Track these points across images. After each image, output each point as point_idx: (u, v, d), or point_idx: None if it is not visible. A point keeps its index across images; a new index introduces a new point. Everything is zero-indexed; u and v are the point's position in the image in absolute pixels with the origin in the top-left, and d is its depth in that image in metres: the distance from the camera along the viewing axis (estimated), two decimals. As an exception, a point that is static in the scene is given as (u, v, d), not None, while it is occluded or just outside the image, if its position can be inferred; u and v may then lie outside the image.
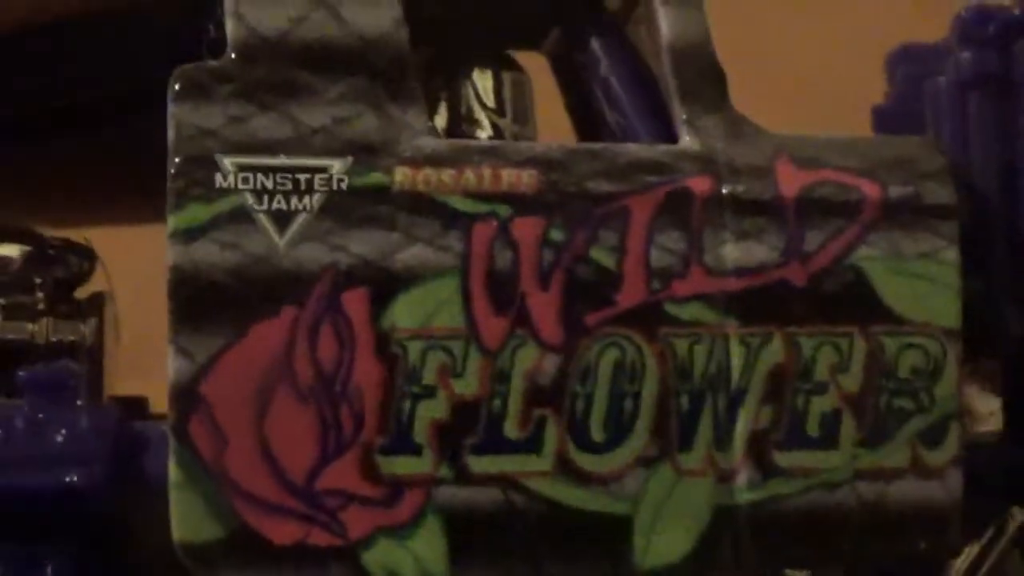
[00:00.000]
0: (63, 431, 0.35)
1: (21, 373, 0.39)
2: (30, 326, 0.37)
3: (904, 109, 0.41)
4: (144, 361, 0.39)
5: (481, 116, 0.39)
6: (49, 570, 0.38)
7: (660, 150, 0.35)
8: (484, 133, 0.38)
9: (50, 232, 0.39)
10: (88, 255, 0.39)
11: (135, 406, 0.38)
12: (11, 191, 0.42)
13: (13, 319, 0.37)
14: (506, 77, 0.39)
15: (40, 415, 0.36)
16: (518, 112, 0.39)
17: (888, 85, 0.42)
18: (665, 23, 0.35)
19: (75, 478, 0.35)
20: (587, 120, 0.39)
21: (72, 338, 0.37)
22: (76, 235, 0.40)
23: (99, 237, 0.40)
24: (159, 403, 0.37)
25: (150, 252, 0.37)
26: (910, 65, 0.41)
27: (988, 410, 0.45)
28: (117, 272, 0.40)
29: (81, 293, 0.39)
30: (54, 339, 0.37)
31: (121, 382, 0.40)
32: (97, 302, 0.38)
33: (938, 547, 0.36)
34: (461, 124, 0.38)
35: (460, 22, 0.40)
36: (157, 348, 0.35)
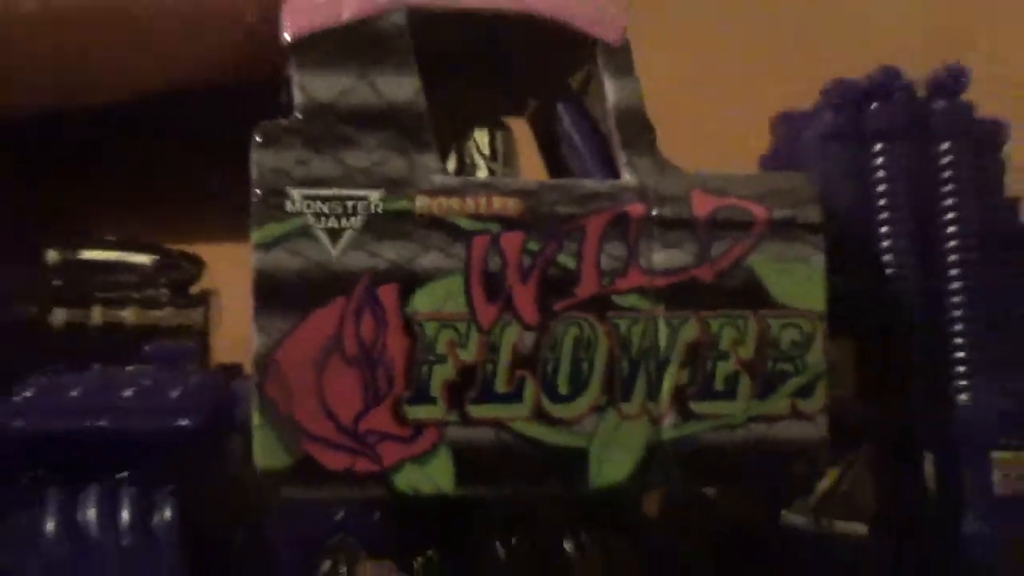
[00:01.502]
0: (179, 389, 0.36)
1: (147, 347, 0.39)
2: (157, 314, 0.38)
3: (782, 157, 0.42)
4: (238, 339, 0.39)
5: (479, 162, 0.39)
6: (164, 496, 0.37)
7: (607, 184, 0.36)
8: (481, 173, 0.39)
9: (171, 245, 0.40)
10: (198, 262, 0.40)
11: (233, 371, 0.39)
12: (143, 214, 0.44)
13: (145, 309, 0.38)
14: (498, 134, 0.40)
15: (162, 377, 0.37)
16: (506, 158, 0.40)
17: (771, 140, 0.43)
18: (611, 92, 0.37)
19: (187, 422, 0.36)
20: (555, 164, 0.40)
21: (187, 323, 0.39)
22: (189, 248, 0.41)
23: (205, 250, 0.41)
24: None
25: (238, 260, 0.37)
26: (788, 125, 0.42)
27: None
28: (217, 273, 0.41)
29: (193, 290, 0.40)
30: (174, 323, 0.38)
31: (222, 354, 0.41)
32: (204, 296, 0.39)
33: (810, 470, 0.37)
34: (464, 167, 0.39)
35: (465, 97, 0.40)
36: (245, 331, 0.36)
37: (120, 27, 0.40)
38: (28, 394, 0.36)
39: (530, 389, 0.36)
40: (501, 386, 0.36)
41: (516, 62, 0.40)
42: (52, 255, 0.39)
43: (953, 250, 0.40)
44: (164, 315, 0.39)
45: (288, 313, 0.35)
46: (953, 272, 0.40)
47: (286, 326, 0.35)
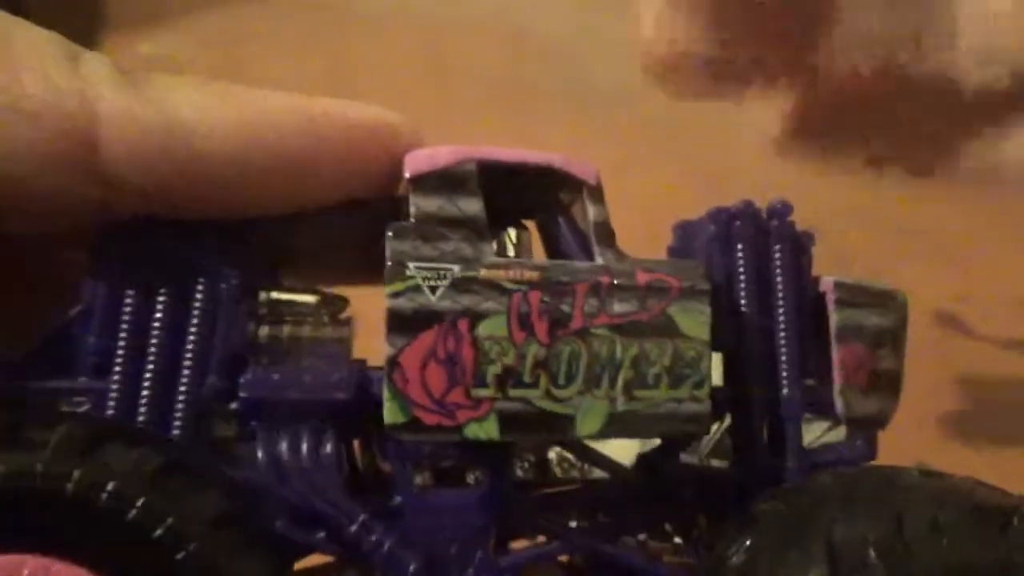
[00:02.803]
0: (337, 374, 0.41)
1: (317, 347, 0.42)
2: (322, 331, 0.42)
3: (680, 250, 0.46)
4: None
5: (510, 249, 0.44)
6: (328, 437, 0.41)
7: (588, 265, 0.41)
8: (511, 255, 0.43)
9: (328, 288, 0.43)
10: (344, 299, 0.44)
11: (363, 362, 0.42)
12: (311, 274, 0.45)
13: (315, 327, 0.42)
14: (521, 233, 0.45)
15: (327, 368, 0.42)
16: (524, 248, 0.44)
17: (673, 238, 0.47)
18: (590, 212, 0.42)
19: (343, 395, 0.41)
20: (553, 253, 0.44)
21: (339, 336, 0.43)
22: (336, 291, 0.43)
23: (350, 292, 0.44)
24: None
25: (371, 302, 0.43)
26: (683, 229, 0.46)
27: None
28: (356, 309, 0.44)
29: (342, 317, 0.43)
30: (332, 336, 0.42)
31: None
32: (348, 320, 0.43)
33: (699, 430, 0.42)
34: (502, 251, 0.43)
35: (502, 212, 0.43)
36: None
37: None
38: (249, 376, 0.40)
39: (543, 380, 0.40)
40: (527, 378, 0.40)
41: (533, 193, 0.44)
42: (262, 295, 0.42)
43: (780, 306, 0.45)
44: (326, 331, 0.42)
45: (405, 334, 0.39)
46: (780, 318, 0.45)
47: (404, 342, 0.39)
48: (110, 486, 0.32)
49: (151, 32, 0.94)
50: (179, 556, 0.32)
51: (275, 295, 0.43)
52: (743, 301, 0.44)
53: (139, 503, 0.32)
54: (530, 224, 0.45)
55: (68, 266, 0.42)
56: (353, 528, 0.40)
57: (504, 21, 1.05)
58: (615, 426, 0.40)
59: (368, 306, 0.43)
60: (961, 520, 0.34)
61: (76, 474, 0.31)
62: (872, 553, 0.33)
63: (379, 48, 1.00)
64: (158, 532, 0.32)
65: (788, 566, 0.34)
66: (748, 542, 0.37)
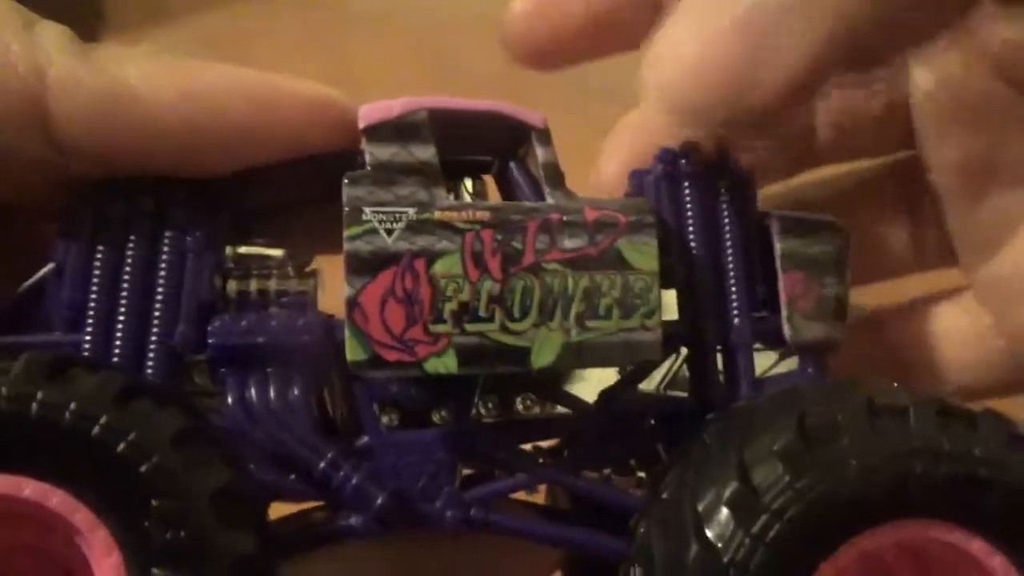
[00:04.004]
0: (303, 320, 0.43)
1: (283, 299, 0.43)
2: (288, 283, 0.44)
3: (635, 192, 0.46)
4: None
5: (466, 197, 0.45)
6: (296, 380, 0.42)
7: (539, 204, 0.42)
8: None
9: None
10: (309, 253, 0.45)
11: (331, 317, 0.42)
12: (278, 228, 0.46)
13: (281, 280, 0.44)
14: (476, 182, 0.46)
15: (293, 315, 0.43)
16: (481, 195, 0.46)
17: (628, 183, 0.47)
18: (540, 155, 0.43)
19: (307, 339, 0.42)
20: (507, 197, 0.45)
21: (305, 288, 0.44)
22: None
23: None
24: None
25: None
26: (637, 176, 0.47)
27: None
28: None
29: (307, 270, 0.44)
30: (298, 288, 0.44)
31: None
32: (314, 272, 0.44)
33: (652, 358, 0.43)
34: (459, 199, 0.44)
35: (457, 161, 0.45)
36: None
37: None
38: (217, 324, 0.42)
39: (498, 315, 0.41)
40: (483, 313, 0.41)
41: (488, 140, 0.45)
42: (229, 250, 0.44)
43: (728, 240, 0.46)
44: (292, 283, 0.44)
45: (364, 275, 0.40)
46: (728, 252, 0.46)
47: (363, 282, 0.40)
48: (72, 406, 0.33)
49: (151, 32, 0.95)
50: (143, 469, 0.33)
51: (242, 250, 0.44)
52: (692, 238, 0.45)
53: (101, 421, 0.33)
54: (489, 181, 0.46)
55: (28, 238, 0.44)
56: (322, 465, 0.41)
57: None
58: (570, 356, 0.42)
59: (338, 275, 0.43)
60: (859, 418, 0.35)
61: (40, 395, 0.33)
62: (778, 459, 0.35)
63: (379, 48, 1.00)
64: (121, 447, 0.33)
65: (707, 489, 0.36)
66: (676, 475, 0.38)
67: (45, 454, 0.33)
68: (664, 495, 0.38)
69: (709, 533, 0.34)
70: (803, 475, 0.34)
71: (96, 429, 0.33)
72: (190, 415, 0.35)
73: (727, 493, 0.35)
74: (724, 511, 0.35)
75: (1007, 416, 0.37)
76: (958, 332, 0.51)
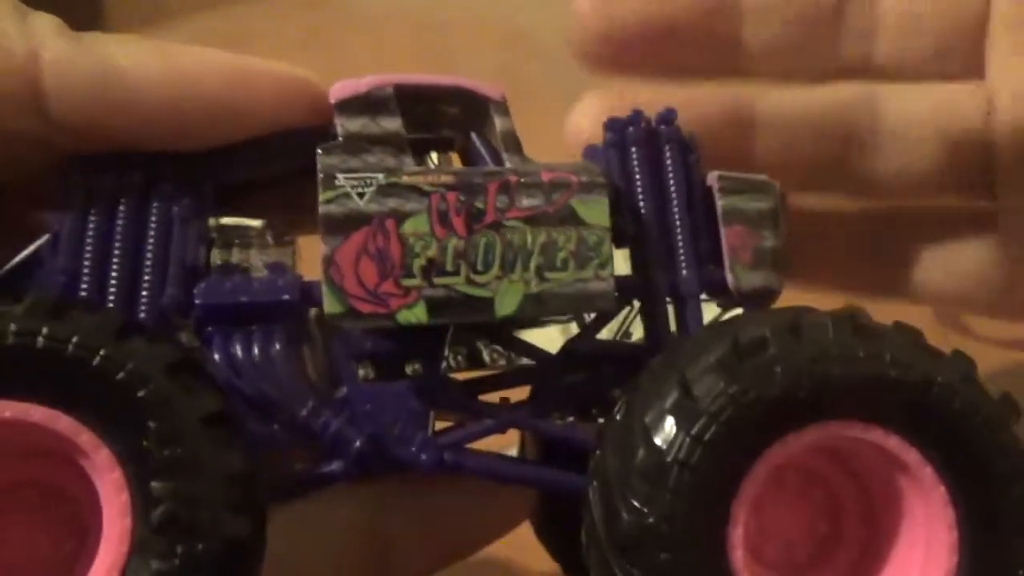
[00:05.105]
0: (282, 280, 0.46)
1: (264, 263, 0.46)
2: (268, 251, 0.46)
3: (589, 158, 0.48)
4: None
5: (430, 164, 0.47)
6: (277, 336, 0.45)
7: (498, 168, 0.45)
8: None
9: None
10: (288, 224, 0.48)
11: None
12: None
13: (260, 249, 0.46)
14: (442, 155, 0.49)
15: (273, 276, 0.46)
16: (444, 164, 0.48)
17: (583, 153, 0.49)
18: (498, 125, 0.46)
19: (288, 296, 0.45)
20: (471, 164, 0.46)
21: (284, 257, 0.47)
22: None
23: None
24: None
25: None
26: (591, 149, 0.50)
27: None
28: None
29: (286, 240, 0.47)
30: (276, 257, 0.47)
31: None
32: (292, 241, 0.47)
33: (606, 307, 0.46)
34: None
35: (425, 140, 0.48)
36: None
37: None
38: (203, 286, 0.44)
39: (464, 269, 0.44)
40: (449, 268, 0.44)
41: (451, 115, 0.48)
42: (212, 221, 0.46)
43: (674, 199, 0.49)
44: (271, 252, 0.46)
45: (338, 235, 0.43)
46: (674, 211, 0.49)
47: (337, 242, 0.43)
48: (75, 339, 0.36)
49: (151, 32, 0.91)
50: (141, 394, 0.36)
51: (224, 221, 0.47)
52: (641, 198, 0.48)
53: (102, 353, 0.36)
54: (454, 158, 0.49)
55: (17, 224, 0.46)
56: (303, 413, 0.44)
57: (504, 21, 1.04)
58: (530, 305, 0.44)
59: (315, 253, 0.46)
60: (784, 332, 0.39)
61: (45, 330, 0.36)
62: (714, 371, 0.38)
63: (379, 48, 1.01)
64: (120, 376, 0.36)
65: (652, 403, 0.39)
66: (626, 399, 0.41)
67: (51, 383, 0.36)
68: (616, 417, 0.40)
69: (655, 439, 0.38)
70: (736, 382, 0.38)
71: (97, 360, 0.36)
72: (181, 350, 0.38)
73: (669, 403, 0.38)
74: (668, 418, 0.38)
75: (914, 326, 0.40)
76: None
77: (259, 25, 0.97)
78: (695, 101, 0.56)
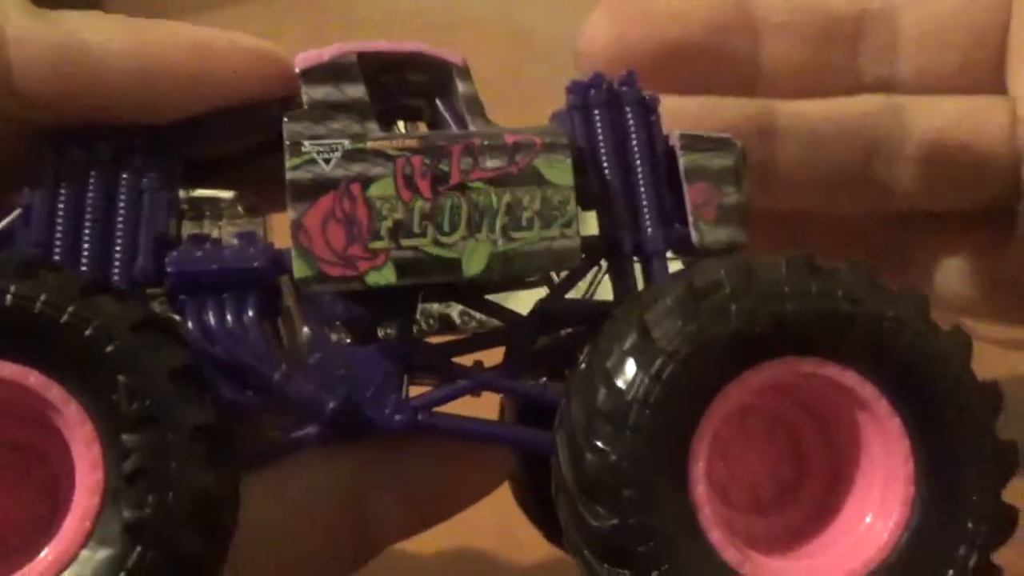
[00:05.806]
0: (253, 248, 0.47)
1: (236, 234, 0.47)
2: (239, 222, 0.48)
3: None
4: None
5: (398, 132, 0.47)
6: (250, 303, 0.46)
7: (463, 131, 0.46)
8: None
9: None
10: (257, 198, 0.48)
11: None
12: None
13: (231, 219, 0.48)
14: (409, 124, 0.50)
15: (244, 245, 0.47)
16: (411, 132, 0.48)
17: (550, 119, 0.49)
18: (461, 89, 0.47)
19: (258, 264, 0.46)
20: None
21: (255, 227, 0.48)
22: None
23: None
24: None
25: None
26: (557, 115, 0.50)
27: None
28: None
29: (257, 211, 0.48)
30: (248, 227, 0.48)
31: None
32: (262, 211, 0.48)
33: (573, 266, 0.47)
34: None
35: (392, 106, 0.48)
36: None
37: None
38: (175, 255, 0.45)
39: (430, 230, 0.44)
40: (416, 229, 0.44)
41: (415, 82, 0.48)
42: (183, 194, 0.47)
43: (637, 159, 0.49)
44: (243, 222, 0.47)
45: (305, 200, 0.44)
46: (638, 170, 0.49)
47: (305, 207, 0.43)
48: (43, 297, 0.37)
49: None
50: (108, 349, 0.37)
51: (195, 193, 0.48)
52: (604, 159, 0.49)
53: (70, 309, 0.37)
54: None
55: None
56: (277, 377, 0.44)
57: (504, 21, 1.07)
58: (498, 264, 0.45)
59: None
60: (738, 272, 0.40)
61: (12, 288, 0.37)
62: (670, 312, 0.39)
63: None
64: (88, 332, 0.37)
65: (612, 348, 0.40)
66: (589, 348, 0.42)
67: (20, 340, 0.36)
68: (581, 367, 0.41)
69: (616, 381, 0.38)
70: (692, 322, 0.39)
71: (65, 316, 0.36)
72: (147, 309, 0.39)
73: (628, 345, 0.39)
74: (628, 360, 0.39)
75: (868, 263, 0.41)
76: None
77: (259, 25, 0.97)
78: (718, 109, 0.57)
